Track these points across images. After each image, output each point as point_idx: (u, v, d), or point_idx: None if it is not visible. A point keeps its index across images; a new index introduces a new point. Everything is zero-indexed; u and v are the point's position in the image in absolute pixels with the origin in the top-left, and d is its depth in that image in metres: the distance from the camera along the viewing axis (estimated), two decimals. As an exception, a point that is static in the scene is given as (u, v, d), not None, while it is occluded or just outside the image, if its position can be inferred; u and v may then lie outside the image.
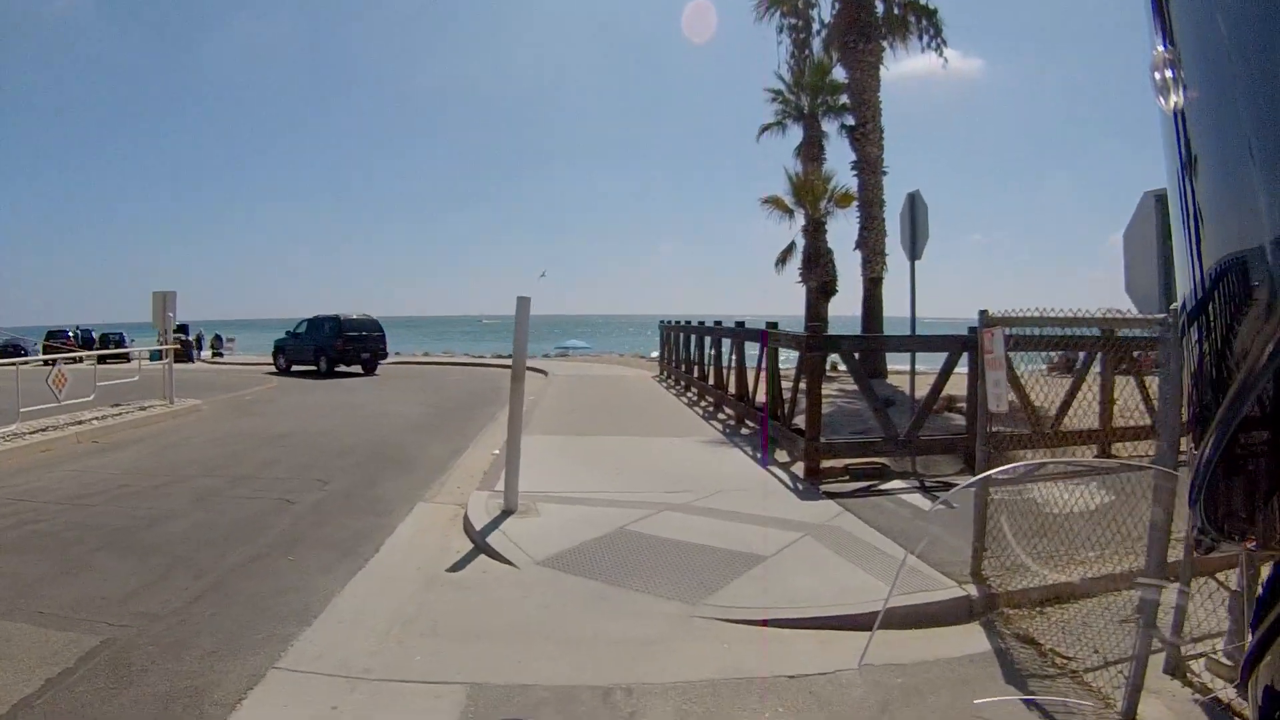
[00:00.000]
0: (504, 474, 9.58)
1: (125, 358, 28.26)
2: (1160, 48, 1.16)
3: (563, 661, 5.60)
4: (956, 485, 9.15)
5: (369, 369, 32.52)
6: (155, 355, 24.20)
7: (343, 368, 31.96)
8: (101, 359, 25.05)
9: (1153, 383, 9.91)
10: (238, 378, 30.84)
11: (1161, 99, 1.19)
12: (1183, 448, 4.57)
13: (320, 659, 5.57)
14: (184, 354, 37.04)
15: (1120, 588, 5.92)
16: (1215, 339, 1.14)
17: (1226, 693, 4.60)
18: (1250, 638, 1.12)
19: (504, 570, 7.59)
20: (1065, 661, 5.35)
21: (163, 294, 21.11)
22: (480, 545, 8.25)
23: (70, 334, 50.02)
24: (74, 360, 22.40)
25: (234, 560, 7.82)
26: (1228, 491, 1.09)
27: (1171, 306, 4.75)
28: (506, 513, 9.12)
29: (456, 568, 7.68)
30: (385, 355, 34.08)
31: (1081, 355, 10.37)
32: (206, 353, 48.74)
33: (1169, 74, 1.16)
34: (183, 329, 40.89)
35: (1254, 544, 1.11)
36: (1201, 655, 5.00)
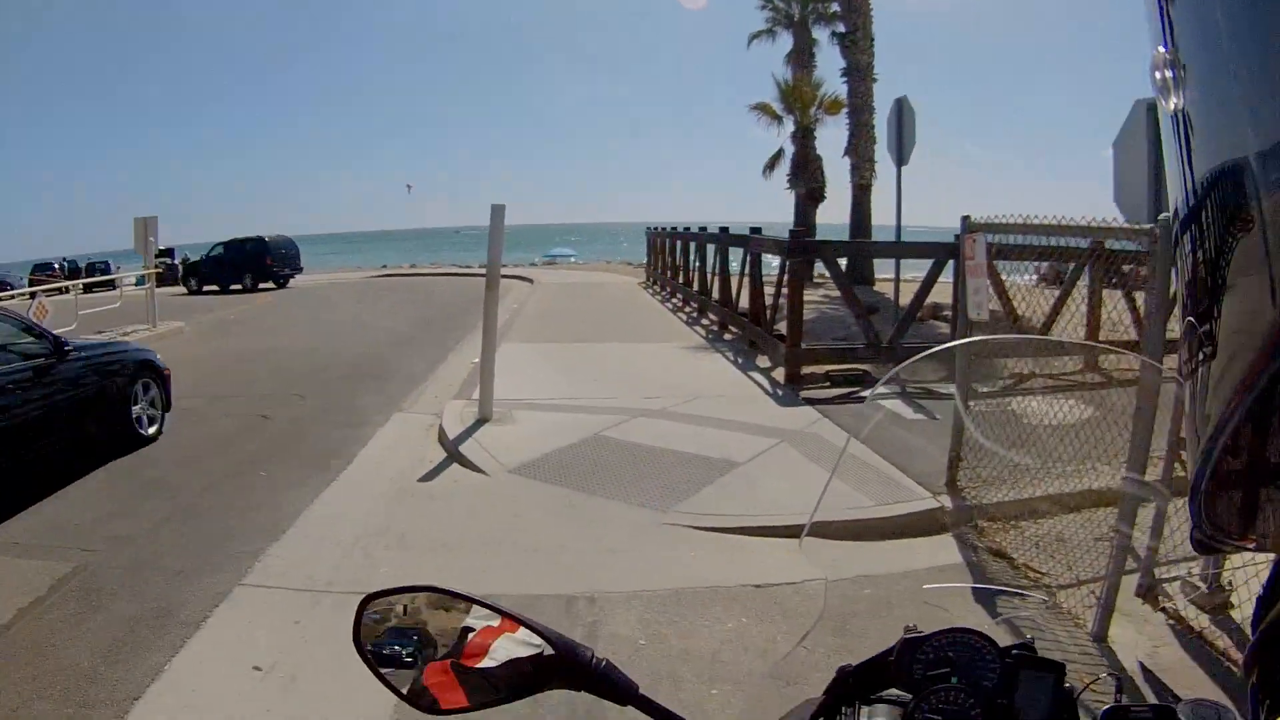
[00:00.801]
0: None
1: (111, 285, 27.95)
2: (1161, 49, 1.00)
3: (528, 571, 5.60)
4: (938, 392, 9.03)
5: (283, 284, 34.92)
6: (141, 281, 23.91)
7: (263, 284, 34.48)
8: (87, 288, 24.84)
9: (1142, 298, 9.60)
10: (223, 298, 30.75)
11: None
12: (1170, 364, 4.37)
13: (286, 574, 5.60)
14: (170, 278, 36.90)
15: (1097, 504, 5.76)
16: (1210, 247, 0.97)
17: (1200, 620, 4.46)
18: (1251, 636, 1.01)
19: (476, 479, 7.54)
20: (1038, 576, 5.22)
21: (144, 220, 20.74)
22: (454, 454, 8.18)
23: (56, 266, 49.66)
24: (59, 291, 22.25)
25: (207, 479, 7.80)
26: (1230, 486, 0.95)
27: (1161, 217, 4.53)
28: (481, 421, 9.01)
29: (428, 478, 7.65)
30: (301, 271, 37.07)
31: (1071, 266, 10.16)
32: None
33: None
34: (168, 253, 40.53)
35: (1253, 544, 0.97)
36: (1176, 579, 4.85)
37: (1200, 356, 0.99)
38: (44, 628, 4.93)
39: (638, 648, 4.58)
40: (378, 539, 6.20)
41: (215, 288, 34.10)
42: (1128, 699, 1.17)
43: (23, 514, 6.88)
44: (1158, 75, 1.00)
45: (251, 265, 34.24)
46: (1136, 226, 5.04)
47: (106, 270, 45.27)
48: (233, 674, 4.39)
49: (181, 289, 34.77)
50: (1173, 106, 0.97)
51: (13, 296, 18.86)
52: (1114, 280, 10.56)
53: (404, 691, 1.14)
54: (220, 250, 35.55)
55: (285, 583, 5.44)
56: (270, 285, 34.33)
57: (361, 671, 1.17)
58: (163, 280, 26.69)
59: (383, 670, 1.17)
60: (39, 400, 7.82)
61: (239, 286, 33.68)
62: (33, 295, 18.10)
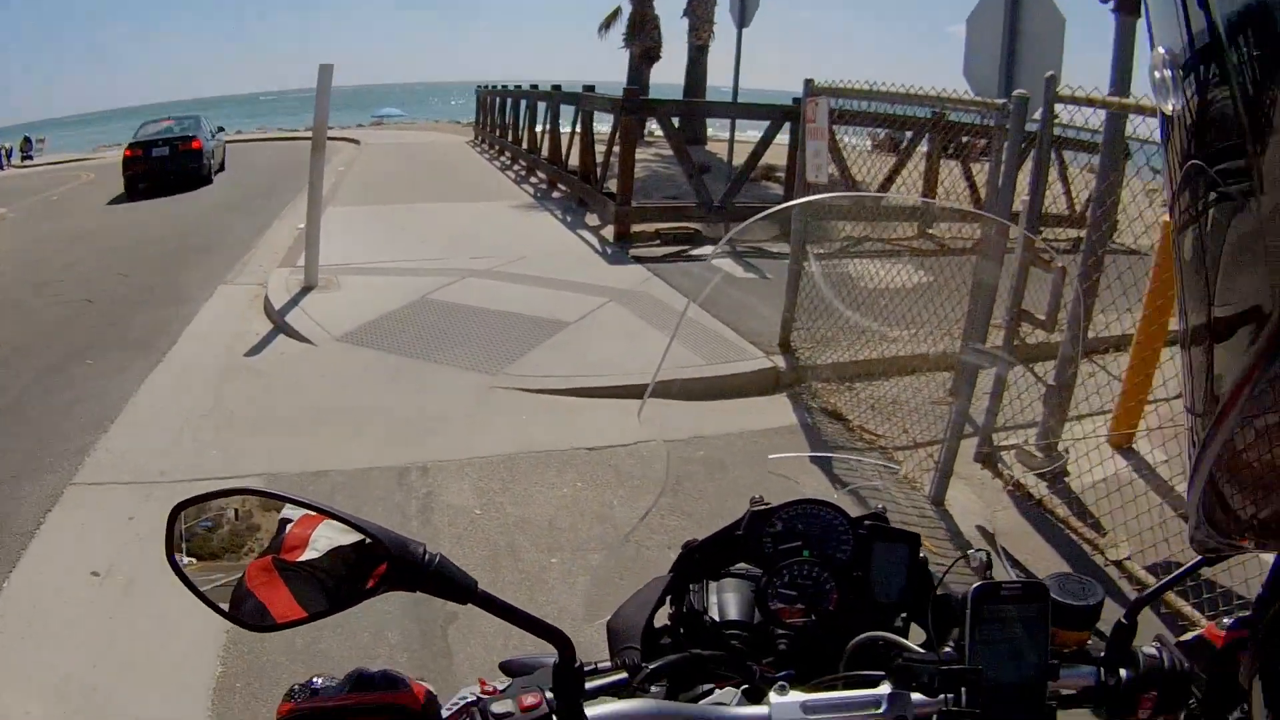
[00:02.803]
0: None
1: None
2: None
3: (359, 443, 5.42)
4: (770, 251, 9.03)
5: None
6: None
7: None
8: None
9: (978, 169, 9.75)
10: (48, 179, 27.65)
11: None
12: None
13: (116, 468, 5.26)
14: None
15: (933, 369, 5.85)
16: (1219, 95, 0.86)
17: (1039, 487, 4.58)
18: (1251, 636, 1.07)
19: (303, 350, 7.23)
20: (874, 439, 5.29)
21: None
22: (280, 325, 7.81)
23: None
24: None
25: (31, 375, 7.15)
26: (1228, 488, 0.94)
27: (1016, 93, 4.53)
28: (307, 289, 8.60)
29: (254, 352, 7.29)
30: None
31: (908, 135, 10.26)
32: (17, 158, 44.52)
33: None
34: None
35: (1252, 544, 0.98)
36: (1013, 446, 4.99)
37: (1199, 207, 0.93)
38: None
39: (474, 518, 4.46)
40: (206, 420, 5.88)
41: None
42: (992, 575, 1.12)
43: None
44: (1157, 75, 0.94)
45: None
46: (990, 100, 5.05)
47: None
48: (71, 583, 4.05)
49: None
50: (1170, 108, 0.92)
51: None
52: (950, 151, 10.78)
53: (225, 606, 0.99)
54: None
55: (115, 477, 5.13)
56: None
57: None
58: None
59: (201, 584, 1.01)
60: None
61: None
62: None
